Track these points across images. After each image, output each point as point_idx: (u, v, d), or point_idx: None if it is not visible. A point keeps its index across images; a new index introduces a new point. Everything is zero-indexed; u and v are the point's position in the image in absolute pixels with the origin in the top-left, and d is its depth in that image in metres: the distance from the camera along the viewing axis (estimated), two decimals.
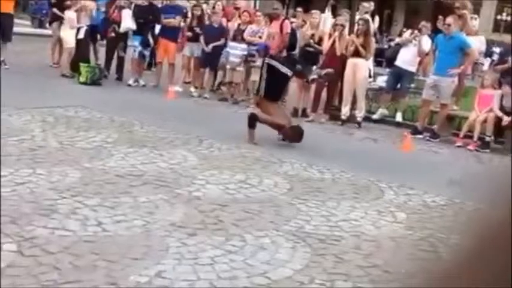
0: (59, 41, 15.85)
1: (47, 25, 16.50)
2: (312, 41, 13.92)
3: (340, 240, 6.14)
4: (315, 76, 12.42)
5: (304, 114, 13.63)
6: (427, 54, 14.07)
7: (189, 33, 14.84)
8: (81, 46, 14.81)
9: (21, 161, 7.40)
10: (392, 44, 22.19)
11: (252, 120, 10.20)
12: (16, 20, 17.53)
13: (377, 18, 17.36)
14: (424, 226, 6.92)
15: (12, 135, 8.55)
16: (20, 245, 5.04)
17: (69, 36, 14.72)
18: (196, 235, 5.73)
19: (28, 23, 26.43)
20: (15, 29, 16.85)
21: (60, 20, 15.84)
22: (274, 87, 10.66)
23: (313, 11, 15.02)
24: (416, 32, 14.26)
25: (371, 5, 17.09)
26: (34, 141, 8.45)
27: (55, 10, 16.19)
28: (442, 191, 8.38)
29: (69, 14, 14.72)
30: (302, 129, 10.55)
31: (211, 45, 14.47)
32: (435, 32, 14.62)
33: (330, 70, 13.03)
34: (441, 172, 9.95)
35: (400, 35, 21.16)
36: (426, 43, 13.80)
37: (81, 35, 14.83)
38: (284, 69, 10.74)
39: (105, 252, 5.12)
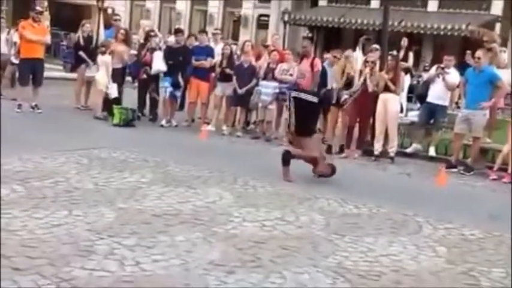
0: (87, 83, 16.10)
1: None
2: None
3: (381, 275, 6.07)
4: (346, 96, 12.35)
5: (342, 150, 13.53)
6: (457, 86, 13.93)
7: (218, 69, 14.94)
8: None
9: (57, 203, 7.43)
10: (420, 80, 22.11)
11: (286, 158, 10.16)
12: (48, 65, 17.76)
13: (411, 54, 17.33)
14: (465, 260, 6.83)
15: (47, 177, 8.61)
16: (58, 286, 5.03)
17: (104, 79, 14.86)
18: (234, 273, 5.69)
19: (60, 68, 26.83)
20: (48, 74, 17.08)
21: (86, 63, 16.09)
22: (304, 121, 10.59)
23: (346, 52, 14.84)
24: (440, 66, 14.12)
25: (405, 41, 17.10)
26: (69, 183, 8.49)
27: (81, 53, 16.38)
28: (481, 224, 8.30)
29: (105, 58, 14.90)
30: (334, 166, 10.53)
31: (244, 89, 14.52)
32: (462, 65, 14.53)
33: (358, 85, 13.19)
34: (478, 205, 9.88)
35: (425, 71, 21.05)
36: (454, 76, 13.70)
37: None
38: (309, 97, 10.70)
39: None
